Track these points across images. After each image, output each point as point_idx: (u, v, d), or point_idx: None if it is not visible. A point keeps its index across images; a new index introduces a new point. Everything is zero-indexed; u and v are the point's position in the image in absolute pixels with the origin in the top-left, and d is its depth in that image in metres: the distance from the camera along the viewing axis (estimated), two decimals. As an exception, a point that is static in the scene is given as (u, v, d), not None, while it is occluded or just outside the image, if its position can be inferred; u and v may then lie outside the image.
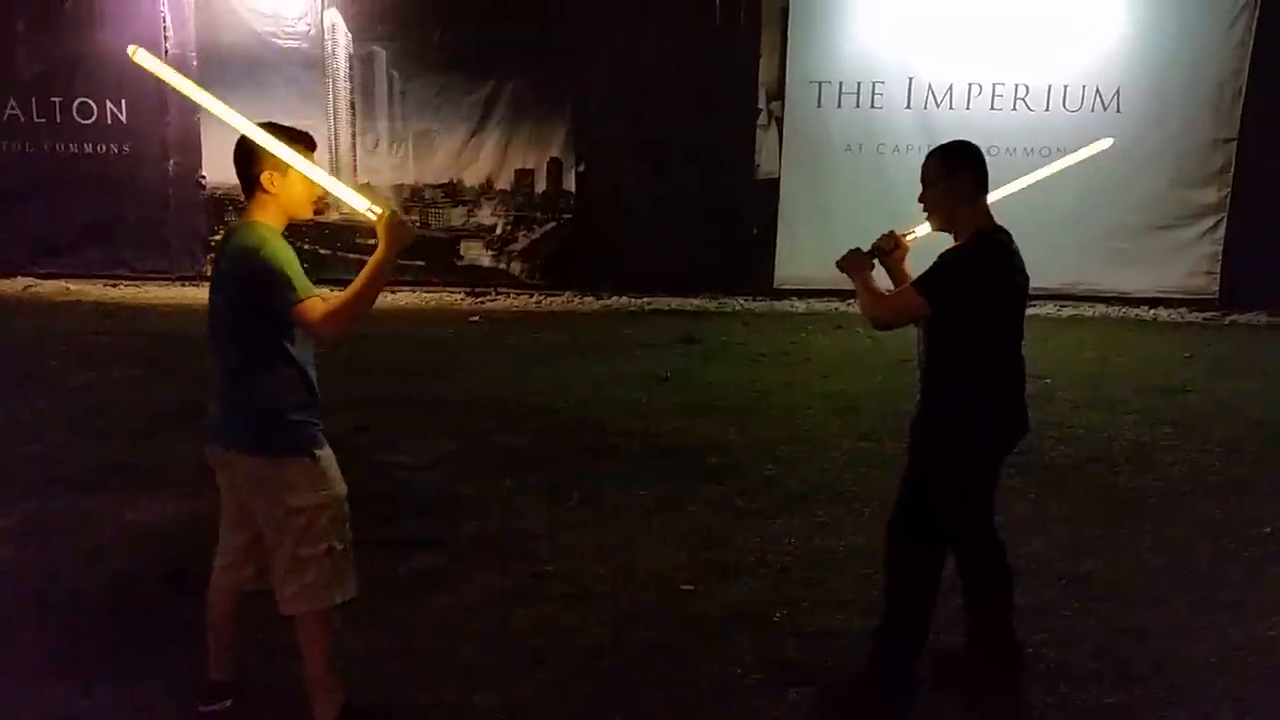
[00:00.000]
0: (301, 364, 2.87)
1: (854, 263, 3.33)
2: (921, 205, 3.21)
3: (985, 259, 3.07)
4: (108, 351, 7.94)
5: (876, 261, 3.38)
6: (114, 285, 10.88)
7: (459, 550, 4.38)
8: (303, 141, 2.88)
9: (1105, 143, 3.38)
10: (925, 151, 3.24)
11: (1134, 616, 3.89)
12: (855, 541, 4.53)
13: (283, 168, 2.83)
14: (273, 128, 2.85)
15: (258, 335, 2.81)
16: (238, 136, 2.86)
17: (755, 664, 3.48)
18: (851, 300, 10.32)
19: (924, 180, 3.18)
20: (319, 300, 2.78)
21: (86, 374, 7.20)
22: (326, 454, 2.92)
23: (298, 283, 2.74)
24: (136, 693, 3.25)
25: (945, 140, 3.26)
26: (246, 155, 2.85)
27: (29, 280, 10.84)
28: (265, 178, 2.83)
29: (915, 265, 3.33)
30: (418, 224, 2.78)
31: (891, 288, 3.40)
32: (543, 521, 4.71)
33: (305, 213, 2.94)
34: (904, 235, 3.45)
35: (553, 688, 3.32)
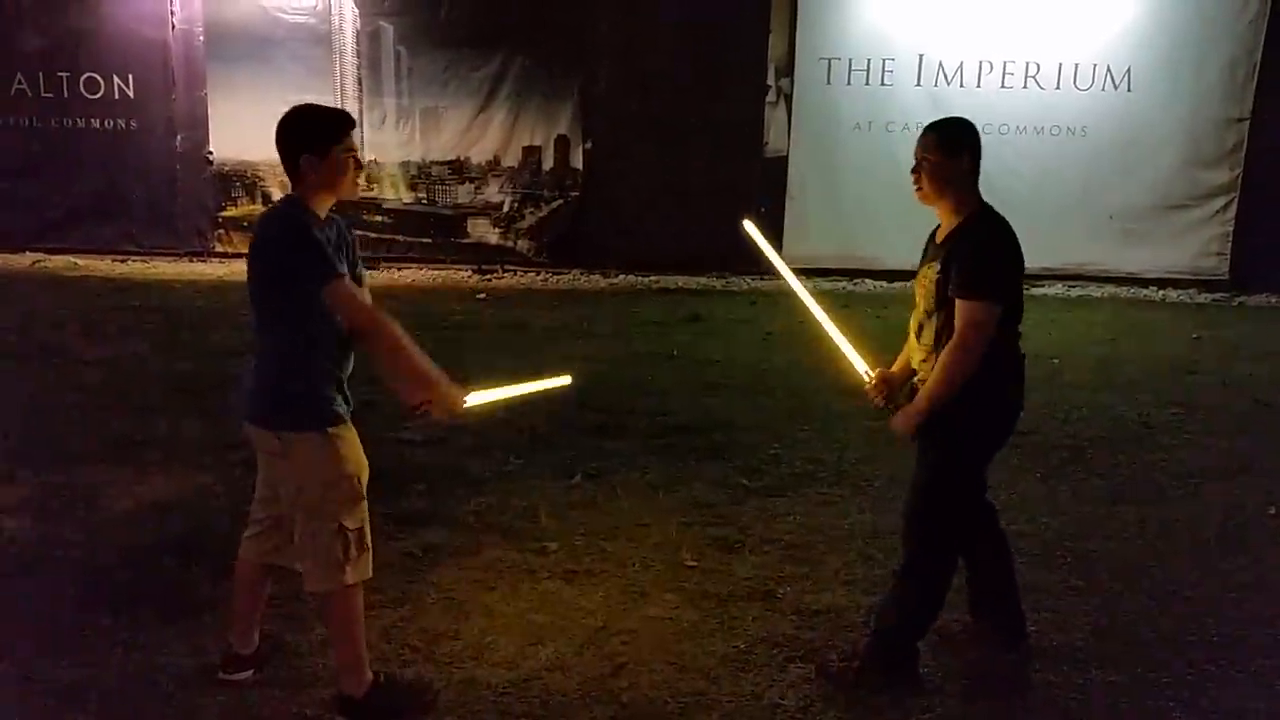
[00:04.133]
0: (328, 341, 2.86)
1: (907, 417, 3.18)
2: (913, 179, 3.18)
3: (1011, 235, 3.08)
4: (116, 327, 7.97)
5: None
6: (122, 260, 10.90)
7: (465, 526, 4.40)
8: (342, 121, 2.90)
9: (563, 380, 3.40)
10: None
11: (1139, 596, 3.90)
12: (860, 520, 4.54)
13: (321, 151, 2.82)
14: (310, 109, 2.89)
15: (282, 307, 2.83)
16: (281, 117, 2.86)
17: (759, 640, 3.50)
18: (859, 279, 10.33)
19: (920, 155, 3.15)
20: (350, 282, 2.81)
21: (95, 349, 7.23)
22: (341, 432, 2.91)
23: (329, 260, 2.76)
24: (148, 663, 3.28)
25: (943, 117, 3.24)
26: (285, 139, 2.85)
27: (37, 255, 10.86)
28: (304, 162, 2.83)
29: (918, 243, 3.33)
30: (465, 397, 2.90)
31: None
32: (548, 498, 4.72)
33: (346, 192, 2.94)
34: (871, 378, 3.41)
35: (557, 663, 3.34)
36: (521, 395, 3.22)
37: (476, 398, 3.03)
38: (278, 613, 3.48)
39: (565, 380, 3.34)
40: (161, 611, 3.58)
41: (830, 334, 3.50)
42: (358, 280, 2.98)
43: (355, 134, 2.94)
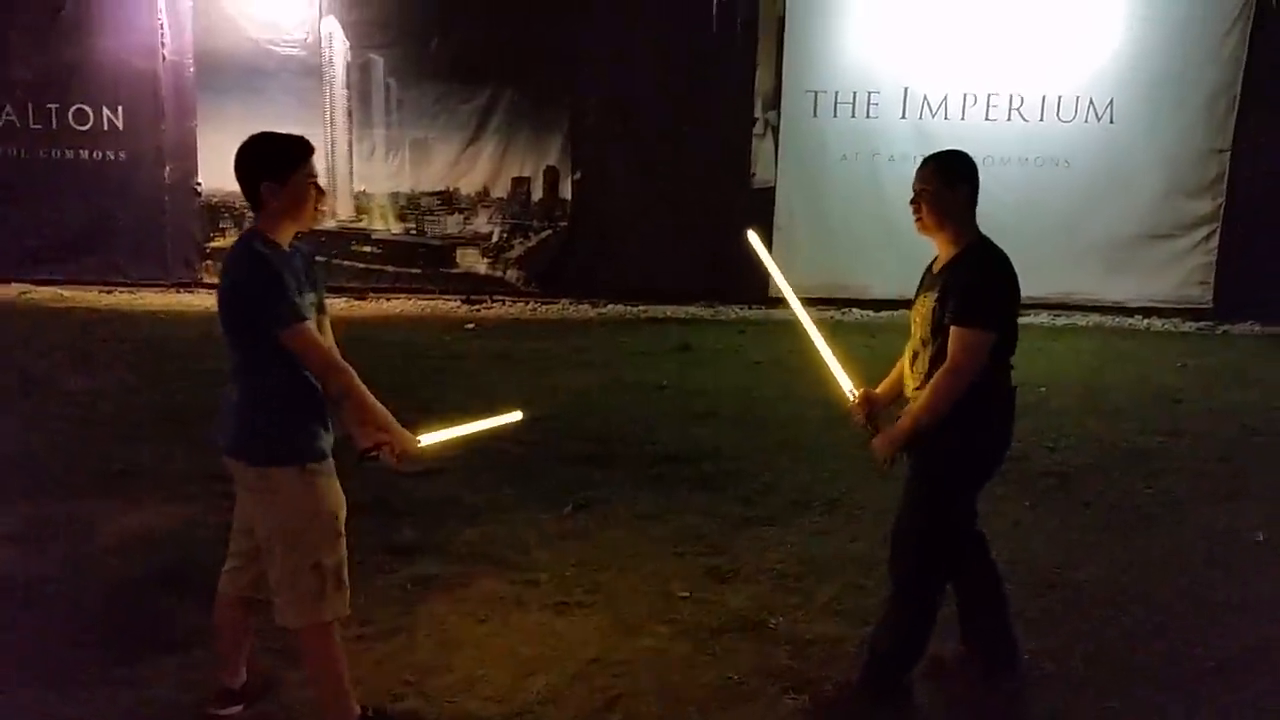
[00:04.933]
0: (304, 375, 2.85)
1: (890, 439, 3.24)
2: (913, 210, 3.22)
3: (1008, 266, 3.12)
4: (103, 357, 7.94)
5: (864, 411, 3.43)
6: (109, 292, 10.85)
7: (456, 558, 4.38)
8: (301, 147, 2.88)
9: (515, 415, 3.45)
10: (920, 161, 3.27)
11: (1128, 623, 3.91)
12: (851, 549, 4.54)
13: (281, 178, 2.81)
14: (268, 136, 2.87)
15: (251, 342, 2.82)
16: (239, 145, 2.86)
17: (751, 671, 3.49)
18: (847, 309, 10.38)
19: (919, 186, 3.20)
20: (312, 328, 2.80)
21: (82, 379, 7.19)
22: (320, 468, 2.89)
23: (291, 305, 2.75)
24: (137, 698, 3.25)
25: (941, 150, 3.29)
26: (244, 168, 2.84)
27: (23, 286, 10.81)
28: (264, 189, 2.82)
29: (906, 272, 3.38)
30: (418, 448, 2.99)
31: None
32: (539, 529, 4.71)
33: (309, 221, 2.92)
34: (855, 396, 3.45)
35: (549, 696, 3.32)
36: (475, 433, 3.24)
37: (430, 438, 3.07)
38: (268, 647, 3.45)
39: (516, 416, 3.36)
40: (151, 644, 3.56)
41: (820, 350, 3.52)
42: (320, 306, 2.97)
43: (317, 160, 2.92)
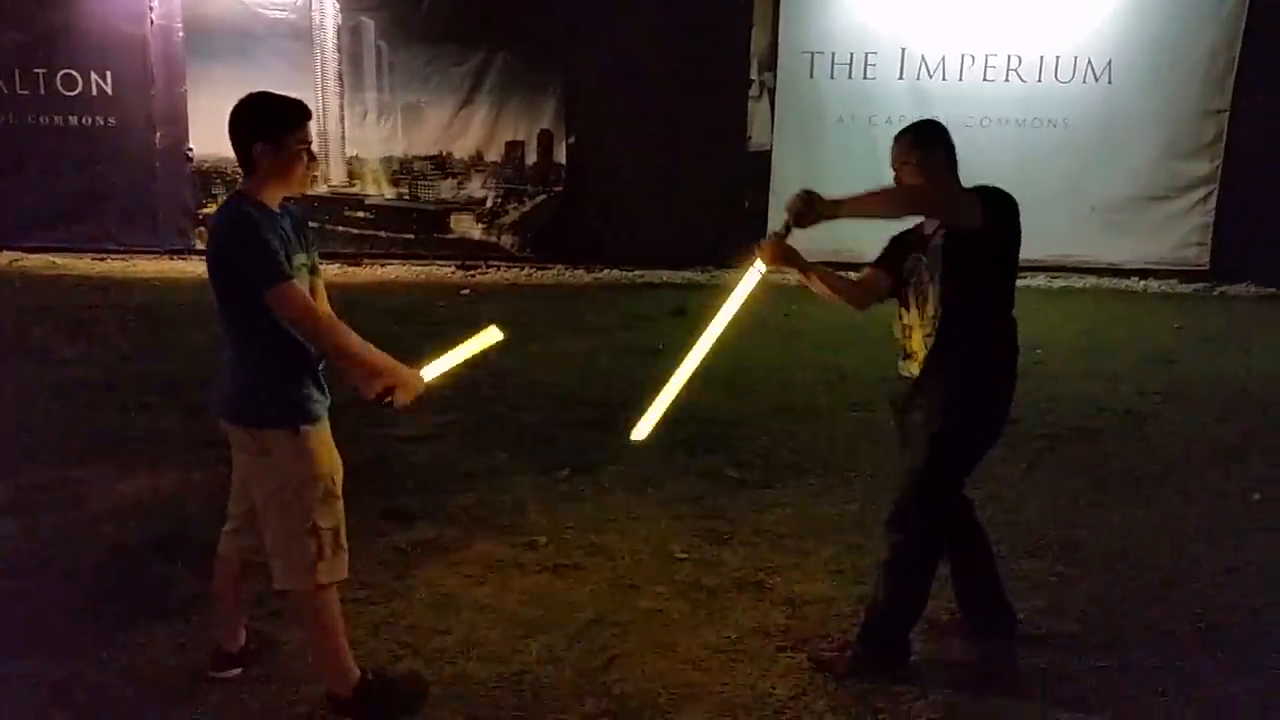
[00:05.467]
0: (296, 337, 2.82)
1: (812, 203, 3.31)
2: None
3: (1010, 197, 3.09)
4: (95, 325, 7.90)
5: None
6: (101, 259, 10.81)
7: (454, 521, 4.38)
8: (297, 110, 2.84)
9: (493, 333, 3.39)
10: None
11: (1123, 584, 3.93)
12: (847, 510, 4.55)
13: (275, 139, 2.78)
14: (265, 96, 2.83)
15: (241, 304, 2.79)
16: (235, 104, 2.81)
17: (749, 630, 3.50)
18: (844, 272, 10.33)
19: (900, 162, 3.20)
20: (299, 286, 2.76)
21: (74, 347, 7.16)
22: (315, 430, 2.86)
23: (277, 265, 2.71)
24: (133, 662, 3.25)
25: (938, 112, 3.27)
26: (238, 126, 2.80)
27: (14, 254, 10.76)
28: (256, 150, 2.78)
29: (891, 231, 3.38)
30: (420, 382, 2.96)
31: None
32: (537, 492, 4.71)
33: (299, 186, 2.89)
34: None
35: (548, 656, 3.33)
36: (467, 356, 3.26)
37: (431, 371, 3.06)
38: (266, 610, 3.46)
39: (495, 334, 3.31)
40: (145, 611, 3.55)
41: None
42: (312, 268, 2.94)
43: (313, 125, 2.88)
